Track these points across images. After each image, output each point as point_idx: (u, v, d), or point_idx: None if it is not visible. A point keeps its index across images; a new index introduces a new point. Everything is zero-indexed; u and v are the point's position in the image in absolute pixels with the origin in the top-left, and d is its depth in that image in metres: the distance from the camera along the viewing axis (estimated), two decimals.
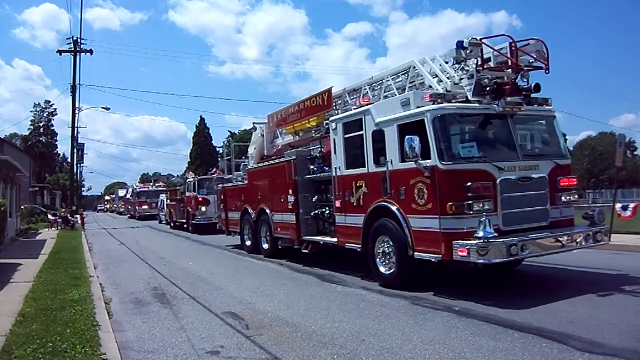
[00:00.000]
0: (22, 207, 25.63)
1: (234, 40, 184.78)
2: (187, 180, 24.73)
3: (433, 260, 6.82)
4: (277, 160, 11.74)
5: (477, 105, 7.21)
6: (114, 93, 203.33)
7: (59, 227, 25.23)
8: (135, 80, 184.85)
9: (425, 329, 5.46)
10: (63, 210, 34.04)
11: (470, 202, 6.56)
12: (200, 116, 68.79)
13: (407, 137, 6.84)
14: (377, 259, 7.91)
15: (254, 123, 14.47)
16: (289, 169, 10.75)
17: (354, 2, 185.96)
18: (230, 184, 15.09)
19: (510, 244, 6.30)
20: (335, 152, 9.04)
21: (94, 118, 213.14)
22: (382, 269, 7.85)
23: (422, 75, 8.47)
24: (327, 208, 9.87)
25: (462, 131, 7.56)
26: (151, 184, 50.62)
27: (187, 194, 23.41)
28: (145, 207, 39.05)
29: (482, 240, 6.25)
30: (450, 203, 6.57)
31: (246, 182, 13.45)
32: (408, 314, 6.19)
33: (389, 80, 9.20)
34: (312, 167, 10.40)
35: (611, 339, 4.75)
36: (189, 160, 67.87)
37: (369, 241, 8.08)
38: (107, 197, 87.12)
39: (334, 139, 9.05)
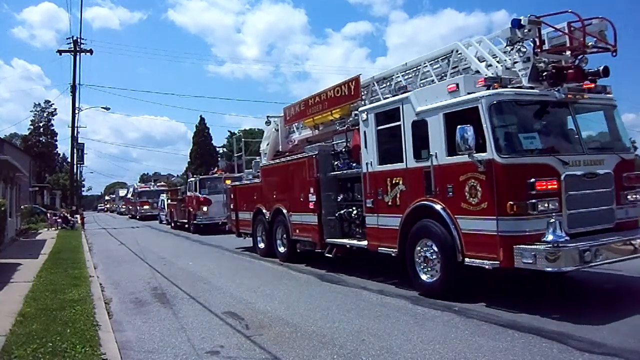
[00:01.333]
0: (22, 207, 25.63)
1: (233, 40, 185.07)
2: (189, 180, 24.39)
3: (487, 267, 6.03)
4: (296, 156, 10.82)
5: (536, 91, 6.41)
6: (113, 93, 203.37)
7: (59, 227, 25.24)
8: (135, 80, 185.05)
9: (425, 329, 5.46)
10: (63, 210, 34.04)
11: (534, 201, 5.81)
12: (201, 116, 68.80)
13: (459, 127, 6.04)
14: (417, 265, 7.09)
15: (268, 116, 13.51)
16: (310, 166, 9.88)
17: (354, 1, 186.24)
18: (240, 182, 14.30)
19: (583, 249, 5.57)
20: (365, 146, 8.22)
21: (93, 118, 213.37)
22: (423, 277, 7.02)
23: (466, 60, 7.60)
24: (354, 208, 9.02)
25: (521, 120, 6.56)
26: (152, 183, 50.38)
27: (189, 193, 23.12)
28: (146, 207, 38.72)
29: (551, 245, 5.53)
30: (511, 202, 5.80)
31: (259, 180, 12.59)
32: (408, 314, 6.19)
33: (426, 66, 8.26)
34: (336, 163, 9.58)
35: (611, 339, 4.75)
36: (189, 160, 67.87)
37: (407, 245, 7.25)
38: (107, 197, 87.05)
39: (365, 132, 8.23)
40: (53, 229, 25.02)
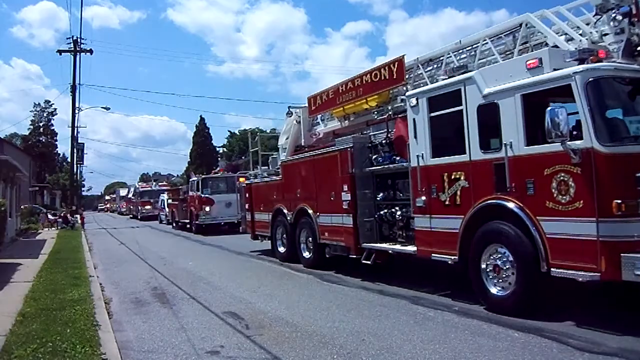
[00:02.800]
0: (22, 207, 25.63)
1: (233, 39, 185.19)
2: (190, 179, 23.86)
3: (582, 279, 5.08)
4: (325, 150, 9.64)
5: (637, 66, 5.44)
6: (113, 93, 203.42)
7: (59, 227, 25.24)
8: (135, 79, 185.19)
9: (425, 329, 5.46)
10: (63, 210, 34.04)
11: None
12: (200, 116, 68.78)
13: (550, 109, 5.11)
14: (484, 276, 6.07)
15: (289, 107, 12.26)
16: (344, 160, 8.78)
17: (354, 0, 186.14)
18: (257, 181, 13.05)
19: None
20: (415, 137, 7.14)
21: (93, 118, 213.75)
22: (492, 289, 5.98)
23: (540, 33, 6.59)
24: (396, 208, 8.00)
25: (623, 101, 5.55)
26: (154, 183, 49.96)
27: (191, 193, 22.58)
28: (148, 207, 38.00)
29: None
30: (618, 201, 4.83)
31: (280, 177, 11.47)
32: (408, 314, 6.19)
33: (486, 43, 7.19)
34: (374, 157, 8.49)
35: (611, 339, 4.75)
36: (189, 160, 67.87)
37: (471, 252, 6.22)
38: (107, 197, 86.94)
39: (414, 120, 7.17)
40: (53, 228, 25.03)
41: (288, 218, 10.85)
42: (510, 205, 5.75)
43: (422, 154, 7.04)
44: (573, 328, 5.16)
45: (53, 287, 8.09)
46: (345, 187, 8.75)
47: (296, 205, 10.53)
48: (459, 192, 6.48)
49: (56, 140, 69.64)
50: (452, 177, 6.57)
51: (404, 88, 8.23)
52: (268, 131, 64.63)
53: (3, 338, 5.20)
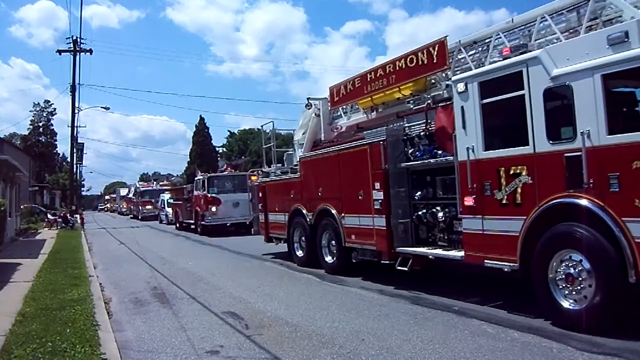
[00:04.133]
0: (22, 207, 25.63)
1: (232, 39, 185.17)
2: (196, 178, 22.75)
3: None
4: (353, 144, 8.71)
5: None
6: (113, 92, 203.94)
7: (59, 227, 25.25)
8: (134, 79, 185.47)
9: (425, 329, 5.46)
10: (63, 210, 34.04)
11: None
12: (200, 116, 68.70)
13: None
14: (553, 287, 5.32)
15: (308, 99, 11.33)
16: (375, 155, 7.91)
17: None
18: (271, 179, 12.18)
19: None
20: (464, 127, 6.34)
21: (93, 117, 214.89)
22: (563, 302, 5.22)
23: (612, 7, 5.80)
24: (437, 208, 7.18)
25: None
26: (154, 182, 49.63)
27: (196, 192, 21.58)
28: (149, 207, 37.55)
29: None
30: None
31: (298, 174, 10.62)
32: (408, 313, 6.19)
33: (544, 20, 6.37)
34: (410, 151, 7.63)
35: (611, 339, 4.74)
36: (188, 160, 67.85)
37: (536, 258, 5.46)
38: (107, 197, 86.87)
39: (462, 107, 6.37)
40: (53, 228, 25.04)
41: (308, 219, 10.03)
42: (588, 204, 4.98)
43: (473, 146, 6.22)
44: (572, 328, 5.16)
45: (53, 287, 8.09)
46: (377, 185, 7.86)
47: (317, 205, 9.70)
48: (519, 190, 5.68)
49: (56, 140, 69.77)
50: (511, 172, 5.77)
51: (444, 74, 7.61)
52: (268, 131, 65.07)
53: (3, 338, 5.20)
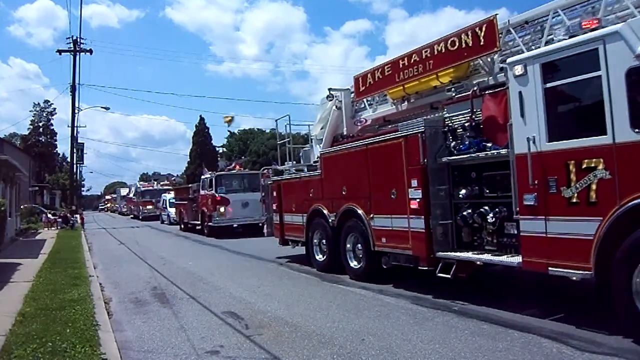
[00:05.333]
0: (22, 207, 25.64)
1: (232, 38, 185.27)
2: (203, 176, 21.58)
3: None
4: (384, 137, 7.87)
5: None
6: (112, 92, 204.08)
7: (59, 227, 25.26)
8: (134, 79, 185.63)
9: (425, 329, 5.46)
10: (63, 210, 34.04)
11: None
12: (200, 116, 68.73)
13: None
14: (639, 299, 4.62)
15: (330, 89, 10.48)
16: (412, 149, 7.11)
17: None
18: (288, 177, 11.27)
19: None
20: (522, 115, 5.62)
21: (92, 117, 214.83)
22: None
23: None
24: (486, 208, 6.37)
25: None
26: (155, 182, 49.37)
27: (202, 192, 20.61)
28: (150, 207, 37.23)
29: None
30: None
31: (318, 172, 9.72)
32: (408, 314, 6.19)
33: None
34: (452, 144, 6.86)
35: (611, 339, 4.74)
36: (188, 160, 67.87)
37: (616, 266, 4.75)
38: (108, 197, 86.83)
39: (520, 93, 5.65)
40: (53, 228, 25.05)
41: (330, 220, 9.22)
42: None
43: (534, 137, 5.47)
44: (573, 328, 5.15)
45: (53, 287, 8.09)
46: (415, 182, 7.09)
47: (341, 205, 8.87)
48: (593, 186, 4.95)
49: (56, 140, 69.79)
50: (583, 166, 5.03)
51: (490, 59, 6.98)
52: (268, 131, 65.16)
53: (3, 338, 5.20)
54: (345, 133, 10.16)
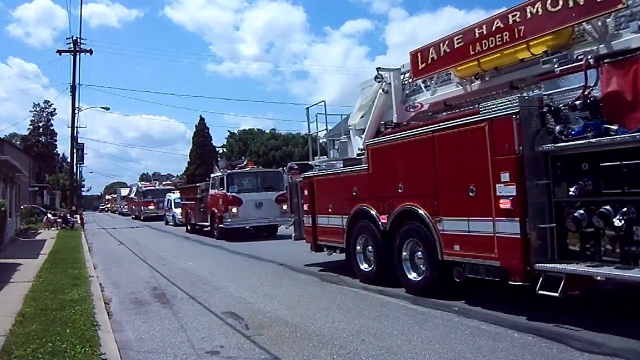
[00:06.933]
0: (22, 207, 25.65)
1: (232, 38, 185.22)
2: (213, 174, 20.26)
3: None
4: (458, 122, 6.42)
5: None
6: (112, 92, 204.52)
7: (59, 227, 25.27)
8: (133, 78, 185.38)
9: (425, 329, 5.46)
10: (63, 210, 34.06)
11: None
12: (200, 116, 68.80)
13: None
14: None
15: (378, 69, 9.07)
16: (501, 134, 5.69)
17: None
18: (324, 173, 9.79)
19: None
20: None
21: (92, 117, 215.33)
22: None
23: None
24: (608, 208, 4.92)
25: None
26: (156, 182, 49.07)
27: (212, 191, 19.44)
28: (151, 207, 36.39)
29: None
30: None
31: (364, 166, 8.31)
32: (408, 314, 6.19)
33: None
34: (557, 127, 5.50)
35: (611, 339, 4.74)
36: (188, 160, 67.91)
37: None
38: (108, 197, 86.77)
39: None
40: (53, 229, 25.06)
41: (380, 223, 7.83)
42: None
43: None
44: (573, 328, 5.15)
45: (53, 287, 8.08)
46: (506, 177, 5.65)
47: (395, 206, 7.46)
48: None
49: (56, 141, 69.88)
50: None
51: (599, 22, 5.71)
52: (267, 131, 65.22)
53: (3, 338, 5.20)
54: (395, 121, 8.78)
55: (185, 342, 5.35)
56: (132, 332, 5.85)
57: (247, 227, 18.42)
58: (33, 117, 67.25)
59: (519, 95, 6.08)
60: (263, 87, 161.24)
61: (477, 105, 6.64)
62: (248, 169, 19.54)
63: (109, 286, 9.06)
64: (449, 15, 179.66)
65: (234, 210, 17.67)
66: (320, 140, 11.52)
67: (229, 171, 18.86)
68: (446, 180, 6.58)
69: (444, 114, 7.98)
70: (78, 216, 30.08)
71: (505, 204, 5.66)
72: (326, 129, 10.90)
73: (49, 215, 28.50)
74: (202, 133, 68.04)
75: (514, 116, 5.56)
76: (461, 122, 6.35)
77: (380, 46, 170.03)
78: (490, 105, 5.97)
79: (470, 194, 6.14)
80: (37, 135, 67.13)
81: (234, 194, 17.89)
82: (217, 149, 68.71)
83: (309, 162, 11.17)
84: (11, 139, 59.23)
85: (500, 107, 5.77)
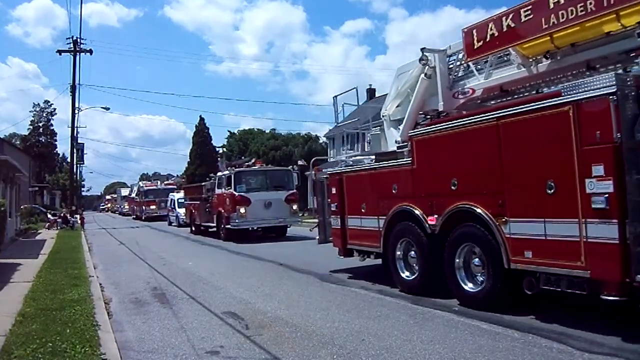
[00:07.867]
0: (22, 207, 25.65)
1: (231, 38, 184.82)
2: (220, 173, 19.65)
3: None
4: (533, 106, 5.42)
5: None
6: (112, 92, 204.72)
7: (59, 227, 25.27)
8: (133, 78, 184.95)
9: (425, 329, 5.46)
10: (63, 210, 34.07)
11: None
12: (200, 116, 68.76)
13: None
14: None
15: (423, 50, 7.89)
16: (592, 119, 4.82)
17: None
18: (356, 168, 8.78)
19: None
20: None
21: (92, 117, 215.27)
22: None
23: None
24: None
25: None
26: (158, 182, 48.78)
27: (218, 191, 18.70)
28: (153, 207, 35.92)
29: None
30: None
31: (408, 160, 7.38)
32: (408, 314, 6.19)
33: None
34: None
35: (611, 339, 4.74)
36: (188, 160, 67.95)
37: None
38: (108, 197, 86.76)
39: None
40: (53, 229, 25.06)
41: (427, 225, 6.92)
42: None
43: None
44: (573, 328, 5.15)
45: (53, 287, 8.08)
46: (599, 170, 4.75)
47: (447, 205, 6.55)
48: None
49: (56, 140, 69.84)
50: None
51: None
52: (267, 131, 65.23)
53: (3, 338, 5.19)
54: (441, 109, 7.70)
55: (185, 342, 5.35)
56: (132, 332, 5.85)
57: (255, 228, 17.90)
58: (33, 117, 67.26)
59: (615, 72, 5.13)
60: (263, 87, 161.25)
61: (539, 91, 5.82)
62: (257, 167, 18.92)
63: (109, 286, 9.06)
64: (449, 15, 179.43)
65: (242, 210, 16.92)
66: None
67: (236, 169, 18.08)
68: (515, 175, 5.65)
69: (498, 101, 7.09)
70: (78, 216, 30.07)
71: (599, 203, 4.74)
72: (359, 119, 10.07)
73: (49, 216, 28.52)
74: (202, 133, 68.03)
75: (610, 97, 4.64)
76: (536, 107, 5.38)
77: (380, 46, 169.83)
78: (576, 86, 5.02)
79: (549, 190, 5.22)
80: (37, 135, 67.12)
81: (242, 193, 17.16)
82: (217, 149, 68.70)
83: (327, 159, 10.35)
84: (11, 139, 59.21)
85: (592, 88, 4.86)
